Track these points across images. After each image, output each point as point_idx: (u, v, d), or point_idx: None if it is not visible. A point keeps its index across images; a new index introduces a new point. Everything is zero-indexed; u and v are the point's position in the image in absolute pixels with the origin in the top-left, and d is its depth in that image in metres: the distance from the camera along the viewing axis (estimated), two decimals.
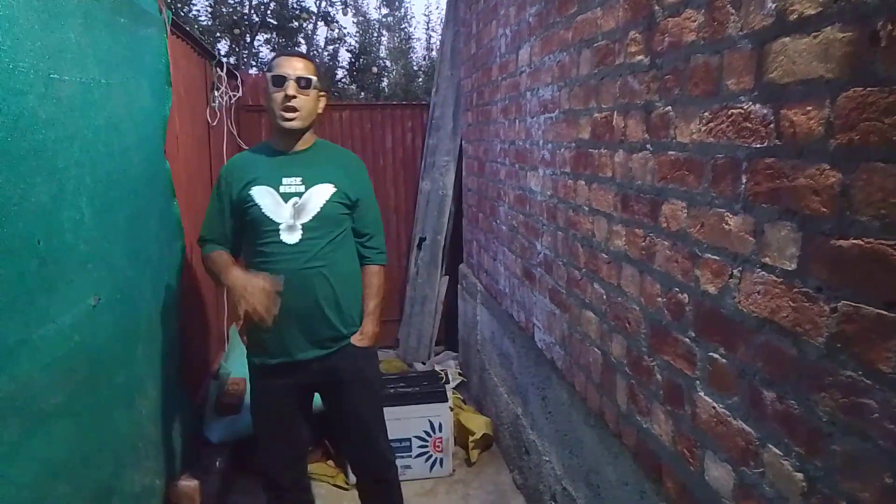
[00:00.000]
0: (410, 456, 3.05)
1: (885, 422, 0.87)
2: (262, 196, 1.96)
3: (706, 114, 1.29)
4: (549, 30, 2.28)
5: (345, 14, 8.96)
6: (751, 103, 1.14)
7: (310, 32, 8.79)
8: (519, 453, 2.90)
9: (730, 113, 1.21)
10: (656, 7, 1.49)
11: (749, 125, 1.15)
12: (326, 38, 8.99)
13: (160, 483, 2.26)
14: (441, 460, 3.08)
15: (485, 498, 2.93)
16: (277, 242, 1.94)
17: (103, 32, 1.85)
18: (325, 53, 9.01)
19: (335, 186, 2.02)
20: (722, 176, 1.24)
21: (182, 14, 7.48)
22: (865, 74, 0.89)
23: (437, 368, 4.07)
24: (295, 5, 8.50)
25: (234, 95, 3.78)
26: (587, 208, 1.97)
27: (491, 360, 3.42)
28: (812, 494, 1.01)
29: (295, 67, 1.95)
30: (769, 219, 1.10)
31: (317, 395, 2.20)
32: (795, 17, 1.02)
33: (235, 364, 3.22)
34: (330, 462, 3.09)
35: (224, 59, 3.71)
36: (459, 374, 4.14)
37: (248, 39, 8.14)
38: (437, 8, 14.28)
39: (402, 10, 9.54)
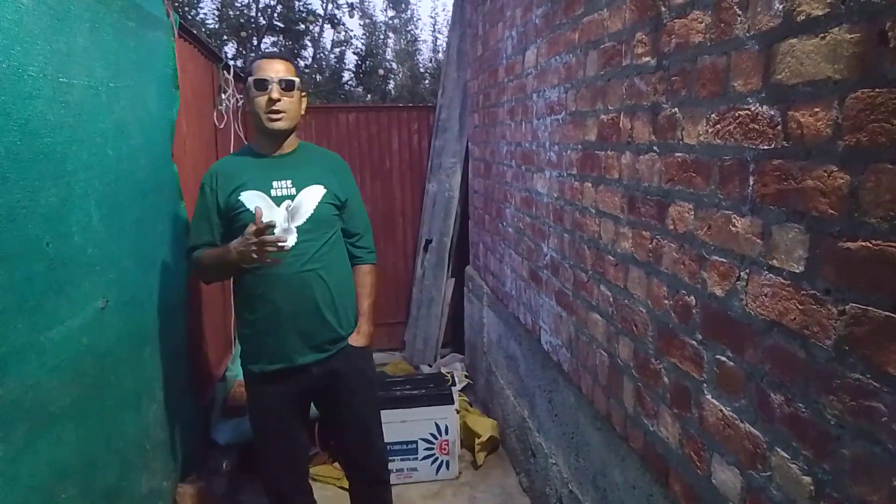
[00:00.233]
0: (416, 458, 3.05)
1: (894, 425, 0.86)
2: (253, 201, 1.92)
3: (713, 115, 1.28)
4: (556, 31, 2.28)
5: (351, 16, 8.97)
6: (758, 104, 1.14)
7: (316, 35, 8.82)
8: (525, 456, 2.89)
9: (737, 114, 1.20)
10: (663, 8, 1.48)
11: (756, 126, 1.14)
12: (333, 40, 9.02)
13: (167, 485, 2.27)
14: (447, 463, 3.08)
15: (491, 501, 2.92)
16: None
17: (111, 36, 1.86)
18: (332, 56, 9.03)
19: (325, 188, 2.01)
20: (729, 177, 1.23)
21: (189, 17, 7.52)
22: (874, 75, 0.88)
23: (444, 371, 4.07)
24: (301, 8, 8.53)
25: (241, 98, 3.79)
26: (594, 210, 1.97)
27: (497, 362, 3.42)
28: (820, 498, 1.00)
29: (277, 70, 1.93)
30: (777, 220, 1.09)
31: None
32: (803, 17, 1.01)
33: None
34: (336, 465, 3.09)
35: (231, 62, 3.73)
36: (466, 376, 4.14)
37: (255, 42, 8.17)
38: (444, 10, 14.31)
39: (409, 13, 9.56)
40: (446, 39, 5.10)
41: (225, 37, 7.98)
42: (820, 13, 0.98)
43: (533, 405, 2.73)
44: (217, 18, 8.12)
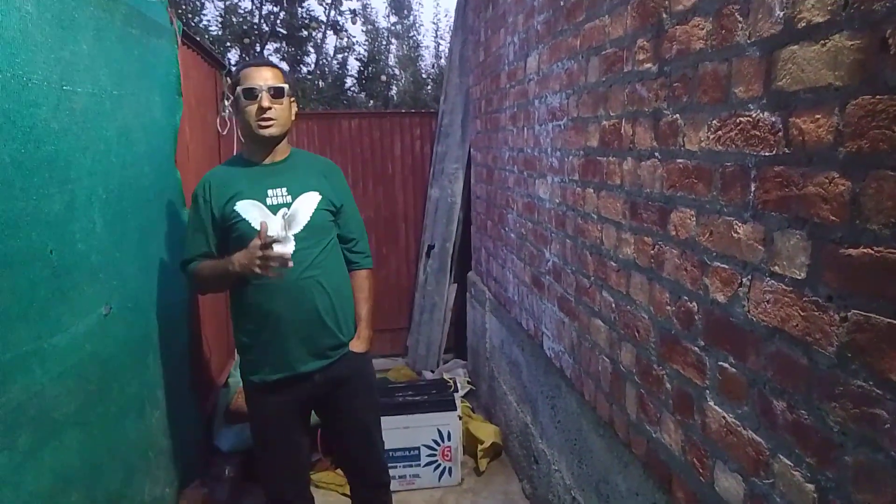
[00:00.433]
0: (419, 465, 3.04)
1: None
2: (249, 210, 1.90)
3: (715, 121, 1.28)
4: (557, 37, 2.28)
5: (353, 23, 9.02)
6: (759, 111, 1.14)
7: (319, 41, 8.86)
8: (528, 462, 2.88)
9: (738, 121, 1.20)
10: (664, 15, 1.49)
11: (758, 133, 1.14)
12: (335, 46, 9.06)
13: (170, 491, 2.27)
14: (450, 469, 3.07)
15: None
16: None
17: (115, 44, 1.87)
18: (335, 62, 9.07)
19: (320, 194, 2.00)
20: (731, 184, 1.23)
21: (193, 24, 7.56)
22: (875, 82, 0.89)
23: (446, 376, 4.06)
24: (304, 15, 8.57)
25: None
26: (596, 216, 1.97)
27: (500, 368, 3.41)
28: None
29: (265, 78, 1.90)
30: (779, 227, 1.09)
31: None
32: (804, 24, 1.02)
33: None
34: (338, 471, 3.09)
35: (234, 69, 3.74)
36: (468, 382, 4.13)
37: (259, 49, 8.20)
38: (446, 16, 14.34)
39: (411, 19, 9.59)
40: (448, 45, 5.11)
41: (228, 43, 8.01)
42: (821, 20, 0.98)
43: (536, 411, 2.73)
44: (220, 25, 8.16)
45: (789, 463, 1.08)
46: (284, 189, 1.95)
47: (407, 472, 3.04)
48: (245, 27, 8.12)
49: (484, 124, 3.75)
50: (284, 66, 8.38)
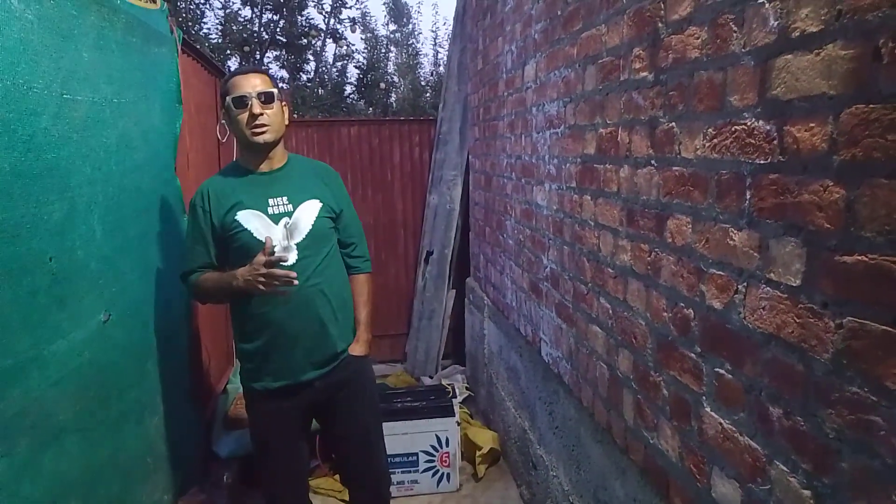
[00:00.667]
0: (417, 471, 3.04)
1: (893, 439, 0.86)
2: (250, 220, 1.89)
3: (710, 129, 1.30)
4: (555, 46, 2.30)
5: (353, 31, 9.06)
6: (754, 119, 1.15)
7: (318, 49, 8.89)
8: (526, 468, 2.88)
9: (734, 129, 1.21)
10: (660, 24, 1.50)
11: (753, 141, 1.15)
12: (335, 54, 9.09)
13: (169, 497, 2.27)
14: (448, 475, 3.07)
15: None
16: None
17: (116, 53, 1.88)
18: (334, 70, 9.10)
19: (321, 201, 1.99)
20: (726, 191, 1.24)
21: (193, 33, 7.58)
22: (868, 91, 0.90)
23: (445, 382, 4.06)
24: (304, 23, 8.60)
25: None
26: (593, 223, 1.98)
27: (498, 374, 3.41)
28: None
29: (254, 85, 1.88)
30: (774, 234, 1.10)
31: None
32: (798, 34, 1.03)
33: None
34: (336, 477, 3.09)
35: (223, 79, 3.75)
36: (467, 388, 4.13)
37: (258, 57, 8.23)
38: (444, 24, 14.42)
39: (410, 27, 9.64)
40: (447, 53, 5.14)
41: (228, 51, 8.04)
42: (815, 30, 0.99)
43: (534, 417, 2.73)
44: (220, 33, 8.19)
45: (786, 469, 1.08)
46: (285, 198, 1.94)
47: (405, 478, 3.04)
48: (245, 35, 8.15)
49: (482, 131, 3.76)
50: (284, 71, 8.41)
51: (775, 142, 1.09)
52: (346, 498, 2.70)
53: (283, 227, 1.92)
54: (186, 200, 2.53)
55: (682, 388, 1.44)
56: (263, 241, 1.85)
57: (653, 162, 1.56)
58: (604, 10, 1.83)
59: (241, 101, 1.87)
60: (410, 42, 9.62)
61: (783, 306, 1.08)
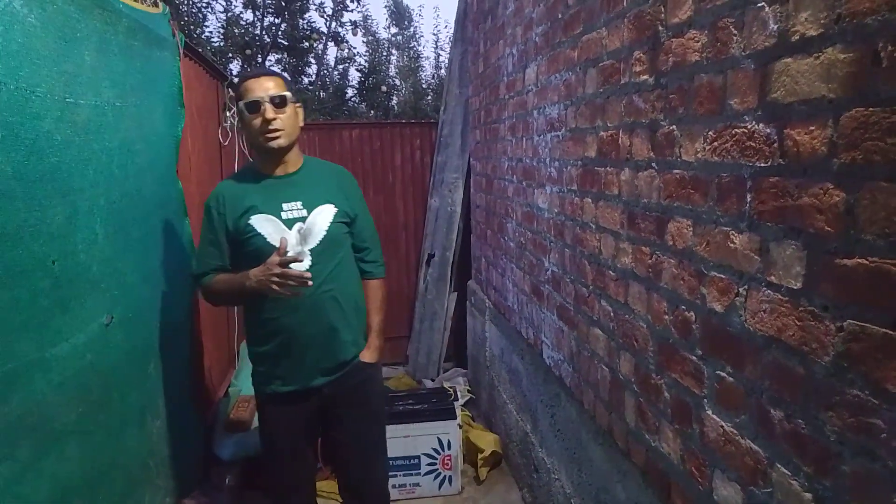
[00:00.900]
0: (419, 474, 3.04)
1: (894, 442, 0.86)
2: (263, 225, 1.87)
3: (710, 133, 1.30)
4: (556, 49, 2.30)
5: (354, 34, 9.08)
6: (754, 122, 1.15)
7: (320, 52, 8.91)
8: (528, 471, 2.88)
9: (734, 132, 1.21)
10: (660, 27, 1.51)
11: (753, 144, 1.16)
12: (336, 57, 9.11)
13: (170, 501, 2.27)
14: (450, 478, 3.07)
15: None
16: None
17: (118, 57, 1.89)
18: (335, 73, 9.12)
19: (335, 206, 1.97)
20: (727, 194, 1.24)
21: (195, 36, 7.60)
22: (868, 94, 0.90)
23: (446, 385, 4.06)
24: (305, 26, 8.62)
25: (237, 122, 3.83)
26: (594, 226, 1.98)
27: (500, 376, 3.41)
28: None
29: (266, 88, 1.86)
30: (774, 237, 1.10)
31: None
32: (797, 37, 1.03)
33: (246, 382, 3.23)
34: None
35: (236, 80, 3.77)
36: (468, 390, 4.13)
37: (260, 60, 8.25)
38: (446, 27, 14.44)
39: (411, 30, 9.66)
40: (448, 56, 5.14)
41: (230, 55, 8.06)
42: (814, 33, 0.99)
43: (535, 420, 2.73)
44: (222, 36, 8.21)
45: (787, 472, 1.08)
46: (299, 203, 1.92)
47: (407, 481, 3.03)
48: (247, 38, 8.17)
49: (483, 134, 3.77)
50: (285, 74, 8.42)
51: (775, 145, 1.09)
52: None
53: (296, 232, 1.90)
54: (188, 203, 2.53)
55: (684, 390, 1.44)
56: (277, 246, 1.83)
57: (653, 165, 1.56)
58: (604, 14, 1.84)
59: (255, 106, 1.85)
60: (412, 45, 9.64)
61: (784, 309, 1.08)
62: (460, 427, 3.11)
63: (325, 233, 1.93)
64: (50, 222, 1.44)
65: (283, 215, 1.90)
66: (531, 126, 2.68)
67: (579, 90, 2.07)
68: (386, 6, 9.68)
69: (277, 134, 1.88)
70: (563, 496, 2.36)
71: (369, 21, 9.43)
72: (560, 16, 2.24)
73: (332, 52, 9.18)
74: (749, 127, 1.17)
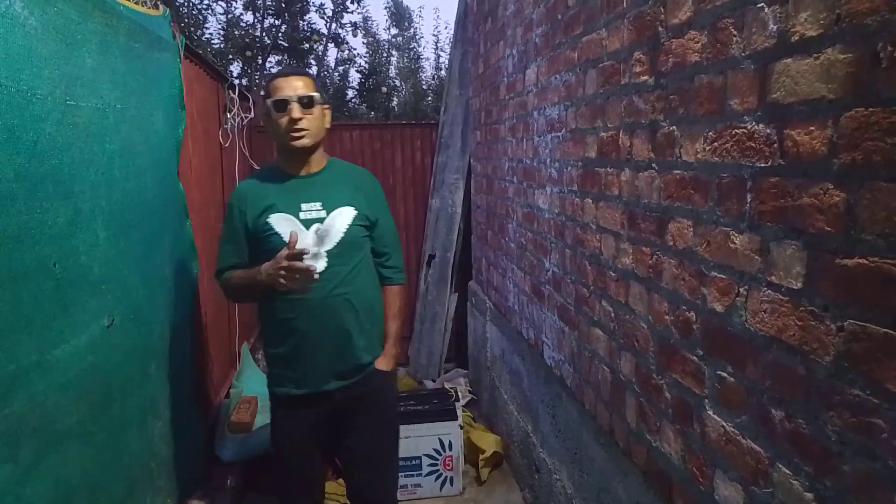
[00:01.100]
0: (420, 475, 3.04)
1: (895, 441, 0.86)
2: (281, 223, 1.87)
3: (710, 133, 1.30)
4: (556, 50, 2.31)
5: (354, 35, 9.14)
6: (754, 123, 1.15)
7: (320, 54, 8.92)
8: (529, 471, 2.88)
9: (734, 132, 1.22)
10: (660, 28, 1.51)
11: (753, 144, 1.16)
12: (337, 59, 9.12)
13: (172, 502, 2.27)
14: (451, 479, 3.07)
15: None
16: None
17: (119, 59, 1.89)
18: (336, 74, 9.12)
19: (355, 209, 1.95)
20: (727, 195, 1.24)
21: (195, 38, 7.61)
22: (867, 95, 0.90)
23: (448, 386, 4.06)
24: (306, 28, 8.63)
25: (247, 117, 3.84)
26: (594, 226, 1.98)
27: (501, 377, 3.41)
28: None
29: (295, 87, 1.86)
30: (775, 237, 1.10)
31: None
32: (797, 38, 1.03)
33: (247, 383, 3.23)
34: (341, 480, 3.08)
35: (236, 81, 3.77)
36: (469, 391, 4.13)
37: (260, 61, 8.26)
38: (446, 28, 14.45)
39: (411, 31, 9.67)
40: (448, 57, 5.15)
41: (230, 56, 8.07)
42: (814, 34, 1.00)
43: (536, 420, 2.73)
44: (222, 38, 8.23)
45: (788, 472, 1.08)
46: (319, 204, 1.91)
47: (408, 482, 3.03)
48: (247, 40, 8.18)
49: (484, 135, 3.77)
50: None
51: (775, 145, 1.09)
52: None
53: (313, 232, 1.89)
54: (189, 205, 2.54)
55: (685, 390, 1.44)
56: (298, 248, 1.83)
57: (654, 165, 1.56)
58: (604, 15, 1.84)
59: (282, 105, 1.85)
60: (412, 46, 9.65)
61: (784, 309, 1.08)
62: (461, 428, 3.11)
63: (342, 235, 1.91)
64: (51, 224, 1.44)
65: (302, 215, 1.90)
66: (531, 127, 2.68)
67: (579, 91, 2.08)
68: (386, 7, 9.70)
69: (302, 134, 1.87)
70: (564, 496, 2.36)
71: (369, 22, 9.45)
72: (560, 17, 2.24)
73: (332, 53, 9.20)
74: (749, 127, 1.17)
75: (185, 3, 7.96)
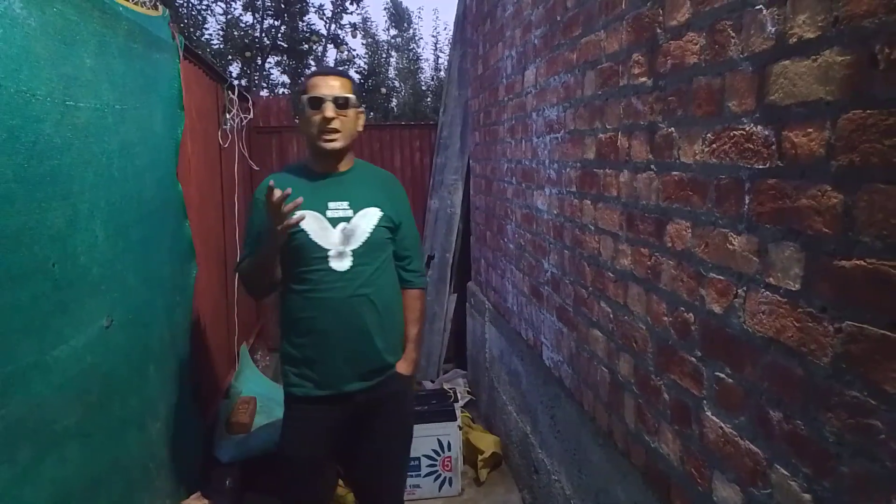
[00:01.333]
0: (419, 475, 3.04)
1: (892, 442, 0.86)
2: (308, 221, 1.84)
3: (709, 135, 1.30)
4: (555, 51, 2.31)
5: (354, 36, 9.13)
6: (753, 125, 1.15)
7: (320, 55, 8.92)
8: (528, 472, 2.88)
9: (732, 134, 1.22)
10: (659, 30, 1.51)
11: (751, 146, 1.16)
12: (336, 59, 9.12)
13: (170, 503, 2.26)
14: (450, 479, 3.07)
15: None
16: (326, 270, 1.86)
17: (117, 59, 1.89)
18: None
19: (381, 211, 1.95)
20: (725, 196, 1.25)
21: (195, 38, 7.61)
22: (865, 97, 0.90)
23: (446, 387, 4.06)
24: (305, 29, 8.64)
25: (246, 117, 3.84)
26: (593, 227, 1.98)
27: (500, 378, 3.41)
28: None
29: (332, 87, 1.86)
30: (773, 239, 1.10)
31: None
32: (795, 40, 1.04)
33: (246, 383, 3.24)
34: (340, 482, 3.08)
35: (235, 82, 3.77)
36: (468, 392, 4.13)
37: (260, 62, 8.26)
38: (445, 29, 14.47)
39: (410, 32, 9.67)
40: (448, 58, 5.15)
41: (230, 56, 8.07)
42: (812, 36, 1.00)
43: (535, 421, 2.73)
44: (222, 39, 8.23)
45: (786, 473, 1.08)
46: (346, 203, 1.91)
47: (407, 483, 3.03)
48: (246, 41, 8.18)
49: (483, 136, 3.77)
50: (285, 77, 8.42)
51: (773, 147, 1.10)
52: (350, 501, 2.69)
53: (340, 231, 1.89)
54: (188, 206, 2.54)
55: (683, 392, 1.44)
56: (320, 242, 1.84)
57: (652, 167, 1.57)
58: (603, 16, 1.84)
59: (317, 103, 1.85)
60: (411, 47, 9.66)
61: (782, 310, 1.08)
62: (460, 428, 3.11)
63: (368, 235, 1.91)
64: (50, 225, 1.44)
65: (329, 213, 1.89)
66: (530, 128, 2.68)
67: (578, 92, 2.08)
68: (385, 8, 9.70)
69: (335, 136, 1.88)
70: (562, 497, 2.36)
71: (368, 23, 9.46)
72: (559, 18, 2.24)
73: (331, 54, 9.19)
74: (747, 129, 1.17)
75: (185, 4, 7.96)
